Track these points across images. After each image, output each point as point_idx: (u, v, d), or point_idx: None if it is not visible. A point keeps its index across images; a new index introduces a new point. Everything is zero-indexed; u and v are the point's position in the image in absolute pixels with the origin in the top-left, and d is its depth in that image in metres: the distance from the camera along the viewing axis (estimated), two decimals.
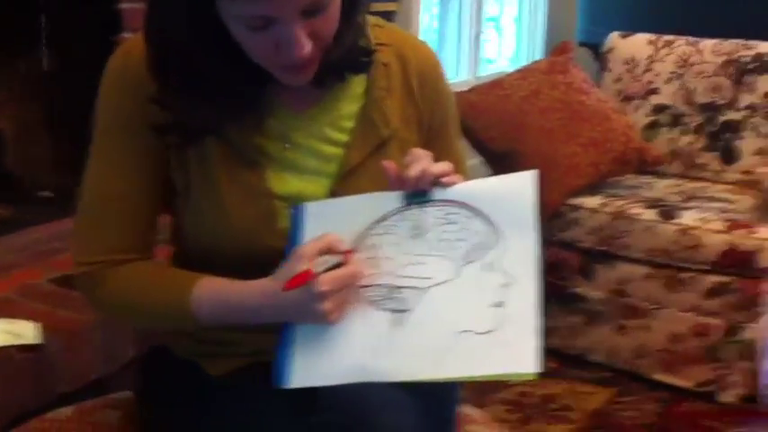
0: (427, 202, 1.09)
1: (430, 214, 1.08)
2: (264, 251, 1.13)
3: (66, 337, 1.62)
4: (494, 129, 2.70)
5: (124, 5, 2.26)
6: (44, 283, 1.84)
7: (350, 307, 1.06)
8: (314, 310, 1.03)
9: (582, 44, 3.93)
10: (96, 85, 2.26)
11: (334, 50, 1.09)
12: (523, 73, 2.85)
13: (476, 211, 1.08)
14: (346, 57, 1.14)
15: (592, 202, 2.56)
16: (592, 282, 2.55)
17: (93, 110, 2.20)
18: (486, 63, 4.23)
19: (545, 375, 2.38)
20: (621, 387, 2.47)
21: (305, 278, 1.02)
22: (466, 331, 1.04)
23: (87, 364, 1.67)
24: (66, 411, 1.34)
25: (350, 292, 1.06)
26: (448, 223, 1.08)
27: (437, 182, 1.08)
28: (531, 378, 1.02)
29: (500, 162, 2.67)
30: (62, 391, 1.61)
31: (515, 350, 1.03)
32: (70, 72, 2.35)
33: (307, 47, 1.02)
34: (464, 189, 1.09)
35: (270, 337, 1.10)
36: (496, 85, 2.81)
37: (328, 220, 1.11)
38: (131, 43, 1.15)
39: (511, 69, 3.90)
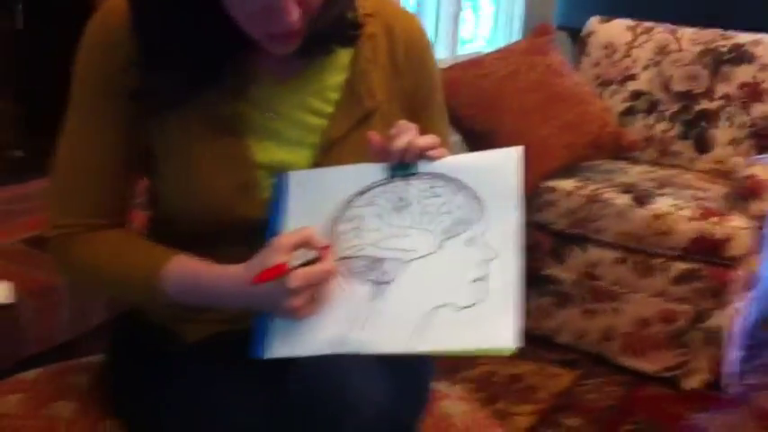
0: (412, 174, 1.08)
1: (414, 187, 1.08)
2: (242, 221, 1.13)
3: (37, 298, 1.61)
4: (472, 107, 2.69)
5: None
6: (15, 243, 1.82)
7: (320, 304, 1.05)
8: (283, 305, 1.02)
9: (559, 27, 3.93)
10: (69, 43, 2.22)
11: (321, 20, 1.07)
12: (503, 53, 2.85)
13: (460, 185, 1.07)
14: (333, 28, 1.12)
15: (566, 184, 2.57)
16: (563, 264, 2.56)
17: (65, 68, 2.16)
18: (462, 43, 4.22)
19: (512, 356, 2.40)
20: (586, 369, 2.49)
21: (276, 272, 1.00)
22: (446, 305, 1.04)
23: (57, 326, 1.66)
24: (33, 373, 1.32)
25: (321, 288, 1.04)
26: (432, 196, 1.07)
27: (422, 155, 1.08)
28: (510, 354, 1.03)
29: (477, 141, 2.67)
30: (30, 353, 1.60)
31: (495, 325, 1.03)
32: (43, 30, 2.31)
33: (294, 14, 1.00)
34: (449, 163, 1.08)
35: None
36: (476, 64, 2.80)
37: (312, 190, 1.11)
38: (111, 4, 1.12)
39: (488, 50, 3.90)
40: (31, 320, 1.60)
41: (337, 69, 1.18)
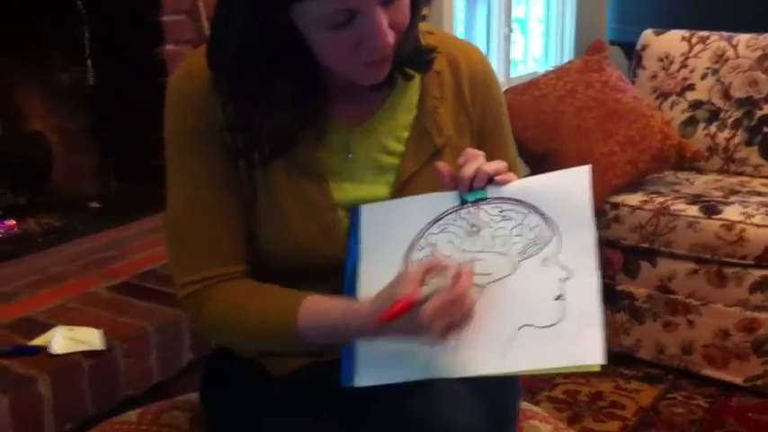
0: (482, 200, 1.10)
1: (485, 212, 1.10)
2: (325, 260, 1.15)
3: (127, 342, 1.65)
4: (531, 129, 2.70)
5: (166, 18, 2.30)
6: (102, 290, 1.87)
7: (463, 326, 1.02)
8: (420, 336, 1.01)
9: (611, 43, 3.93)
10: (138, 95, 2.32)
11: (403, 46, 1.10)
12: (558, 73, 2.86)
13: (531, 208, 1.09)
14: (412, 54, 1.15)
15: (633, 199, 2.56)
16: (636, 279, 2.54)
17: (138, 122, 2.24)
18: (514, 65, 4.23)
19: (592, 373, 2.38)
20: (669, 384, 2.47)
21: (402, 308, 0.98)
22: (528, 325, 1.05)
23: (148, 369, 1.70)
24: (134, 414, 1.36)
25: (458, 313, 1.01)
26: (504, 220, 1.09)
27: (491, 180, 1.10)
28: (596, 369, 1.03)
29: (538, 162, 2.67)
30: (125, 396, 1.64)
31: (579, 342, 1.04)
32: (114, 83, 2.40)
33: (391, 37, 1.02)
34: (518, 186, 1.10)
35: None
36: (532, 86, 2.82)
37: (384, 221, 1.13)
38: (191, 62, 1.15)
39: (540, 70, 3.91)
40: (124, 365, 1.64)
41: (407, 109, 1.20)
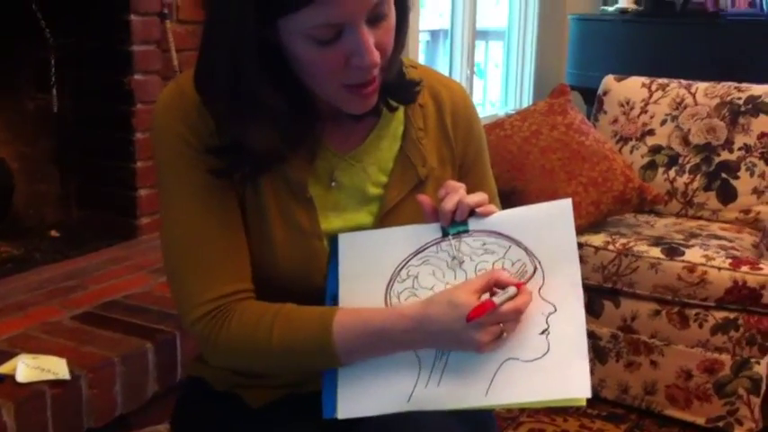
0: (464, 232, 1.09)
1: (467, 245, 1.09)
2: (309, 289, 1.14)
3: (92, 372, 1.61)
4: (496, 168, 2.67)
5: (135, 47, 2.29)
6: (65, 319, 1.83)
7: (504, 340, 1.05)
8: (469, 339, 1.02)
9: (571, 87, 4.00)
10: (104, 123, 2.28)
11: (389, 72, 1.10)
12: (523, 114, 2.89)
13: (513, 241, 1.09)
14: (397, 84, 1.15)
15: (596, 240, 2.58)
16: (599, 319, 2.56)
17: (100, 147, 2.20)
18: None
19: (556, 412, 2.36)
20: (633, 423, 2.47)
21: (490, 307, 1.01)
22: (512, 359, 1.05)
23: (112, 400, 1.65)
24: None
25: (515, 323, 1.05)
26: (485, 253, 1.09)
27: (473, 212, 1.09)
28: (582, 404, 1.03)
29: (504, 200, 2.67)
30: (89, 427, 1.60)
31: (565, 376, 1.04)
32: (79, 111, 2.37)
33: (376, 54, 1.02)
34: (500, 219, 1.10)
35: None
36: (497, 126, 2.85)
37: (364, 251, 1.12)
38: (180, 82, 1.14)
39: (500, 113, 3.96)
40: (88, 395, 1.59)
41: (393, 140, 1.20)
